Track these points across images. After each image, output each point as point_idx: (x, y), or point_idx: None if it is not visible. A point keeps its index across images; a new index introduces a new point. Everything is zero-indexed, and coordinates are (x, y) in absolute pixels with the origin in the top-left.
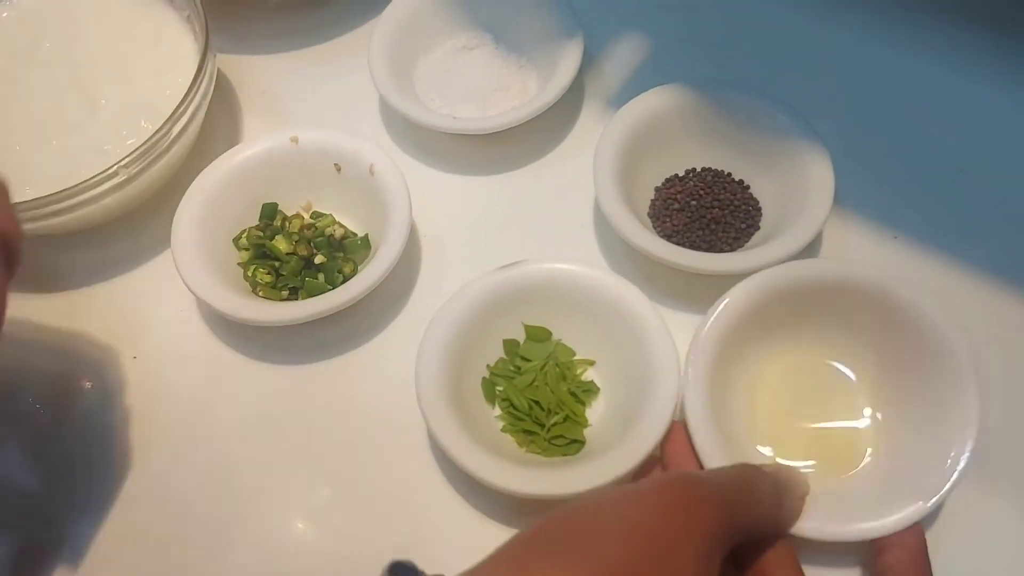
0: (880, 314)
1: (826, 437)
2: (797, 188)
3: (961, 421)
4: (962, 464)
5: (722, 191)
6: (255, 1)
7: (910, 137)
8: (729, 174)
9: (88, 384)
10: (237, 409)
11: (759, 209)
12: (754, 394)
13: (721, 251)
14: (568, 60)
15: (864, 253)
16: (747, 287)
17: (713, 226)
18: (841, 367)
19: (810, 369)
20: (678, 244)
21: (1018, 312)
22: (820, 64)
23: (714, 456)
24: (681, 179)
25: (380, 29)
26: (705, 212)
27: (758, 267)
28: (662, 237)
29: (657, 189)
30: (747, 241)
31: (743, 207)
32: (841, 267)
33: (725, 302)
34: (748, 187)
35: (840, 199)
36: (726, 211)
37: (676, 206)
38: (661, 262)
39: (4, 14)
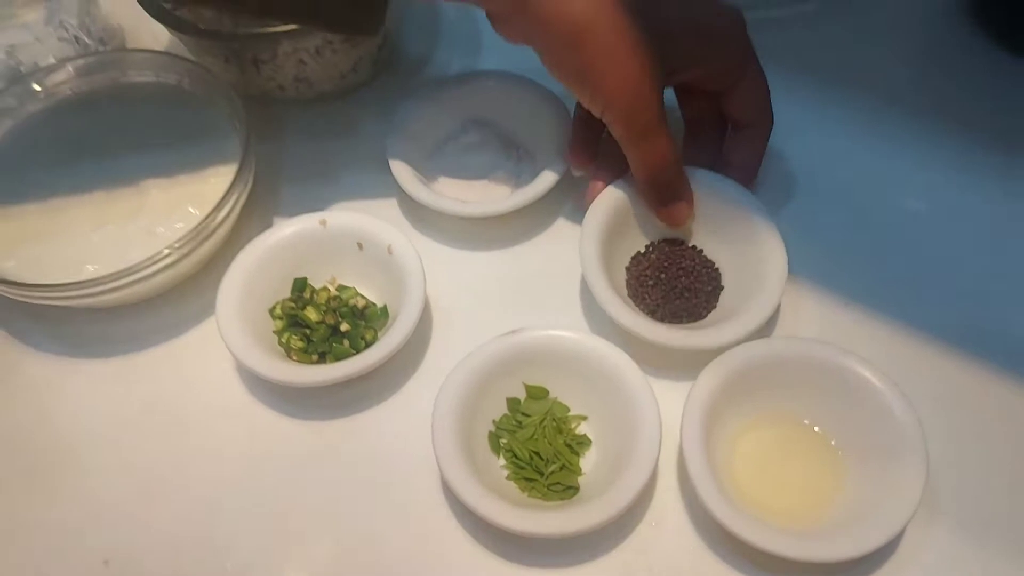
0: (833, 380)
1: (799, 485)
2: (750, 254)
3: (911, 470)
4: (913, 506)
5: (682, 258)
6: (288, 97)
7: (858, 214)
8: (683, 241)
9: (139, 439)
10: (269, 462)
11: (717, 271)
12: (736, 450)
13: (699, 316)
14: (558, 158)
15: (818, 319)
16: (716, 367)
17: (686, 294)
18: (811, 424)
19: (782, 427)
20: (661, 318)
21: (957, 370)
22: (775, 146)
23: (712, 498)
24: (644, 255)
25: (397, 124)
26: (675, 283)
27: (727, 343)
28: (645, 312)
29: (627, 268)
30: (716, 302)
31: (704, 271)
32: (794, 344)
33: (699, 381)
34: (702, 251)
35: (794, 269)
36: (691, 278)
37: (650, 282)
38: (641, 339)
39: (68, 109)
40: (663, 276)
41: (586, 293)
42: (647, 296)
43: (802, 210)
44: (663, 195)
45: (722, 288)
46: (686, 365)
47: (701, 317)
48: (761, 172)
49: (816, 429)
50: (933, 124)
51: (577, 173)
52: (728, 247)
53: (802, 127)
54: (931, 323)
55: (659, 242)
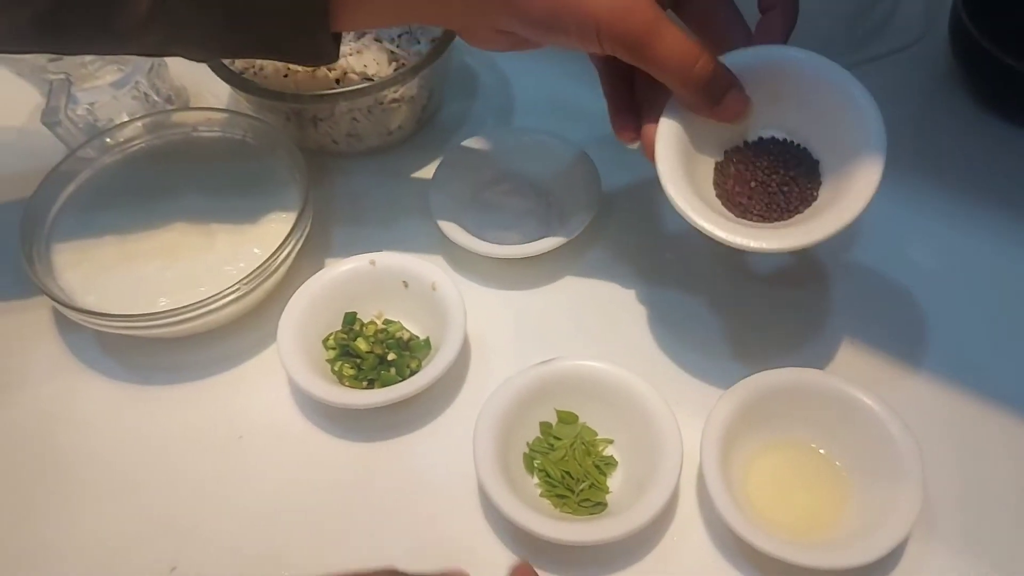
0: (839, 409)
1: (807, 503)
2: (839, 119)
3: (910, 490)
4: (910, 521)
5: (765, 155)
6: (340, 150)
7: (861, 263)
8: (759, 137)
9: (202, 458)
10: (321, 479)
11: (804, 151)
12: (750, 471)
13: (809, 201)
14: (589, 200)
15: (829, 356)
16: (732, 395)
17: (784, 189)
18: (818, 448)
19: (792, 451)
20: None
21: (947, 400)
22: None
23: (729, 511)
24: (723, 165)
25: (438, 175)
26: (767, 185)
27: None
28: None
29: (714, 185)
30: (818, 181)
31: (791, 158)
32: (803, 375)
33: (717, 407)
34: (783, 139)
35: (808, 311)
36: (781, 173)
37: (743, 197)
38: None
39: (142, 160)
40: (753, 184)
41: (613, 326)
42: (748, 210)
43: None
44: (707, 92)
45: (818, 162)
46: (705, 395)
47: (813, 200)
48: None
49: (823, 452)
50: (928, 182)
51: (632, 146)
52: (812, 120)
53: None
54: (928, 358)
55: (732, 150)
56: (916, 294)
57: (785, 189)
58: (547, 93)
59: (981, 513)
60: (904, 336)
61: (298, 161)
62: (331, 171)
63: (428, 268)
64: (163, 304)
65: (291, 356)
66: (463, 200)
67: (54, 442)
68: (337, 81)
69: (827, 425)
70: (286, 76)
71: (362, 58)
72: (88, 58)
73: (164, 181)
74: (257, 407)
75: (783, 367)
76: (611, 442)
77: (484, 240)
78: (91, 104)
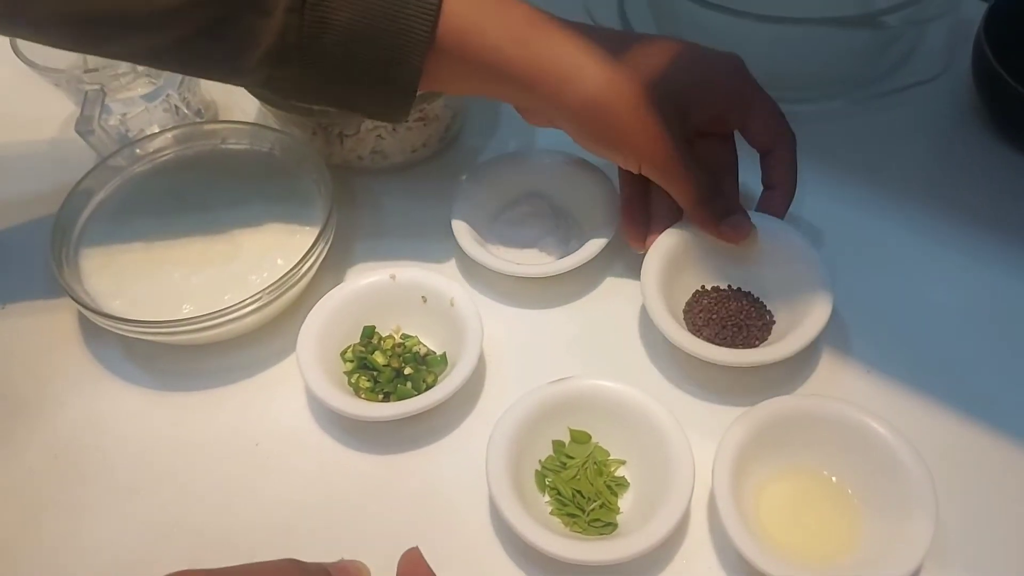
0: (851, 436)
1: (819, 530)
2: (797, 285)
3: (922, 518)
4: (922, 550)
5: (733, 300)
6: (364, 166)
7: (878, 292)
8: (729, 287)
9: (220, 464)
10: (336, 489)
11: (766, 308)
12: (761, 497)
13: (751, 347)
14: (608, 221)
15: (844, 384)
16: (744, 420)
17: (740, 332)
18: (830, 475)
19: (804, 478)
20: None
21: (963, 430)
22: (803, 229)
23: (740, 537)
24: (698, 296)
25: (459, 194)
26: (726, 321)
27: (770, 360)
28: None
29: (684, 310)
30: (768, 335)
31: (754, 310)
32: (816, 402)
33: (729, 432)
34: (751, 292)
35: (820, 338)
36: (743, 316)
37: (702, 322)
38: (698, 357)
39: (170, 171)
40: (713, 317)
41: (627, 347)
42: (703, 331)
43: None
44: (715, 211)
45: (774, 322)
46: (718, 418)
47: (753, 347)
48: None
49: (835, 480)
50: (947, 215)
51: (640, 251)
52: (777, 281)
53: (827, 210)
54: (941, 388)
55: (710, 288)
56: (932, 324)
57: (741, 333)
58: None
59: (993, 543)
60: (918, 366)
61: (323, 175)
62: (355, 186)
63: (447, 284)
64: (187, 311)
65: (310, 367)
66: (484, 219)
67: (75, 444)
68: None
69: (839, 453)
70: None
71: None
72: (122, 70)
73: (192, 191)
74: (275, 416)
75: (796, 394)
76: (623, 463)
77: (503, 259)
78: (123, 115)
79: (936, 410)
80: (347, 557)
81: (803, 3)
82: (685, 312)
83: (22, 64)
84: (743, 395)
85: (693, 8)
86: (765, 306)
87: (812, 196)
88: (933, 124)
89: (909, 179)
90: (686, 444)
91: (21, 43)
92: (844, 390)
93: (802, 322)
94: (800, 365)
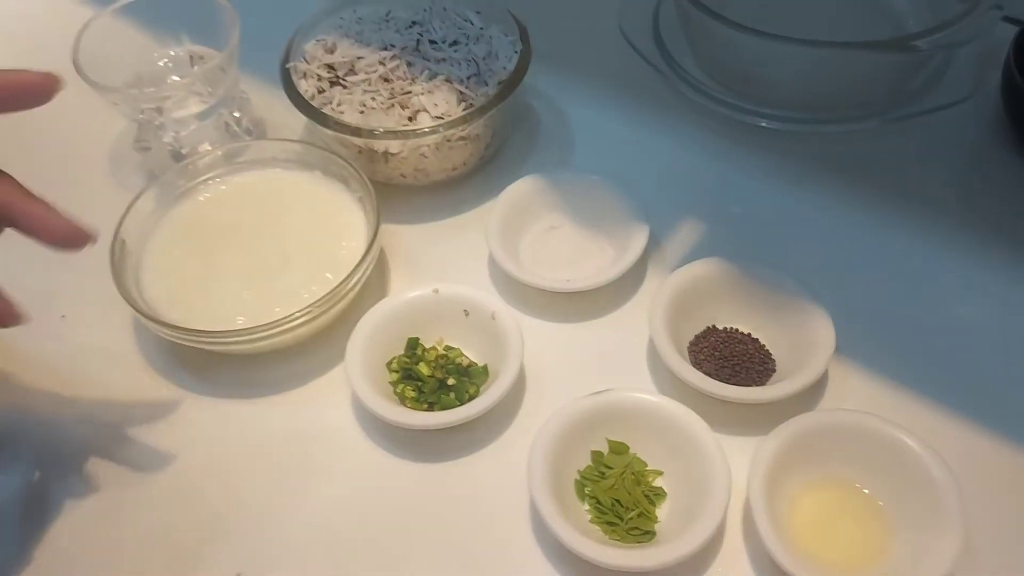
0: (881, 449)
1: (850, 540)
2: (804, 339)
3: (950, 533)
4: (951, 559)
5: (736, 342)
6: (407, 183)
7: (905, 309)
8: (736, 330)
9: (269, 469)
10: (381, 495)
11: (768, 353)
12: (795, 507)
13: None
14: (637, 240)
15: (863, 396)
16: (779, 432)
17: (739, 371)
18: (862, 487)
19: (836, 489)
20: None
21: (992, 446)
22: (835, 243)
23: (775, 545)
24: (703, 335)
25: (497, 210)
26: (726, 361)
27: (771, 398)
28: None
29: (688, 347)
30: (767, 380)
31: (756, 353)
32: (848, 416)
33: (764, 444)
34: (757, 339)
35: (845, 352)
36: (743, 359)
37: (706, 359)
38: (704, 392)
39: (223, 187)
40: (715, 354)
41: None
42: (703, 365)
43: (854, 303)
44: None
45: (774, 371)
46: (751, 429)
47: (762, 383)
48: (819, 266)
49: (866, 492)
50: (976, 237)
51: None
52: (782, 332)
53: (858, 230)
54: (972, 404)
55: (717, 327)
56: (963, 343)
57: (738, 375)
58: (604, 136)
59: (1022, 557)
60: (949, 382)
61: (369, 193)
62: (397, 202)
63: (488, 298)
64: (240, 322)
65: (357, 377)
66: (521, 234)
67: (129, 446)
68: (409, 119)
69: (871, 465)
70: (362, 112)
71: (433, 97)
72: (176, 89)
73: (244, 207)
74: (322, 424)
75: (829, 408)
76: (660, 473)
77: (538, 274)
78: (177, 133)
79: (967, 427)
80: (390, 559)
81: (836, 26)
82: (691, 345)
83: (81, 82)
84: (778, 411)
85: (726, 30)
86: (770, 354)
87: (843, 215)
88: (963, 145)
89: (939, 199)
90: (723, 456)
91: (82, 61)
92: (874, 404)
93: (807, 363)
94: (829, 378)
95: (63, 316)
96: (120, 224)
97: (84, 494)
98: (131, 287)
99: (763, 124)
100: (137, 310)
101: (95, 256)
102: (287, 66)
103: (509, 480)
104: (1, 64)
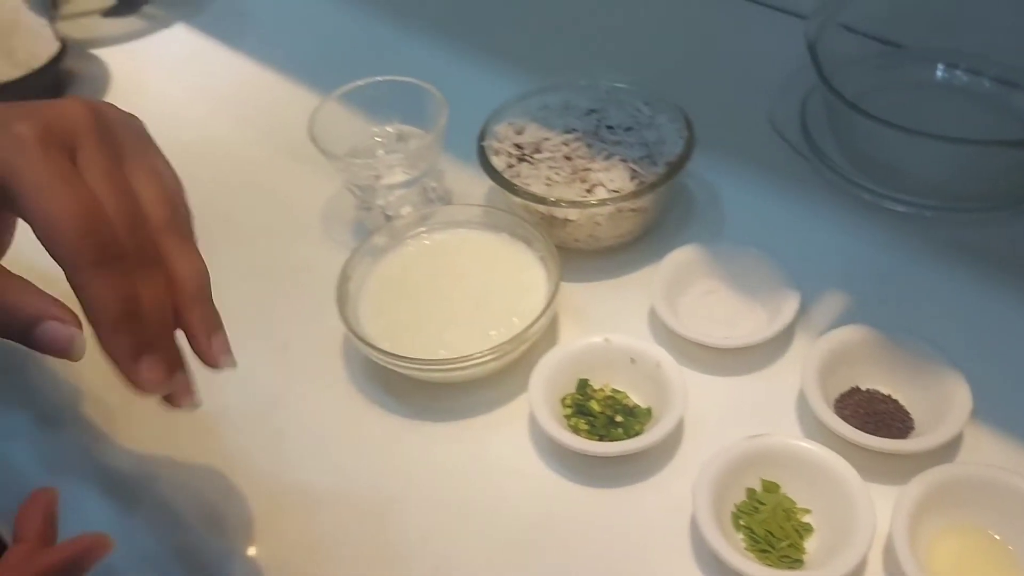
0: (1014, 500)
1: None
2: (942, 400)
3: None
4: None
5: (877, 403)
6: (579, 247)
7: None
8: (878, 391)
9: (456, 487)
10: (552, 516)
11: (908, 414)
12: (934, 552)
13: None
14: (789, 305)
15: (998, 454)
16: (920, 480)
17: (880, 430)
18: (994, 534)
19: (972, 536)
20: None
21: None
22: (969, 319)
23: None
24: (847, 395)
25: (660, 272)
26: (868, 419)
27: (911, 450)
28: None
29: (834, 404)
30: (907, 437)
31: (897, 413)
32: (984, 470)
33: (906, 490)
34: (897, 400)
35: (979, 414)
36: (883, 418)
37: (849, 415)
38: (850, 442)
39: (425, 242)
40: (859, 411)
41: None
42: (849, 421)
43: (990, 369)
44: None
45: (912, 429)
46: (888, 478)
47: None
48: (955, 336)
49: (998, 538)
50: None
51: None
52: (921, 394)
53: (990, 303)
54: None
55: (861, 388)
56: None
57: (879, 432)
58: (753, 213)
59: None
60: None
61: (552, 253)
62: (568, 263)
63: (654, 348)
64: (441, 354)
65: (540, 408)
66: (680, 296)
67: (334, 457)
68: (587, 191)
69: (1003, 514)
70: (548, 185)
71: (609, 174)
72: (391, 162)
73: (442, 261)
74: (503, 448)
75: (965, 462)
76: (809, 511)
77: (699, 331)
78: (386, 200)
79: None
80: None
81: (972, 124)
82: (836, 402)
83: (302, 154)
84: (919, 460)
85: (871, 124)
86: (909, 414)
87: (976, 303)
88: None
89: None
90: (867, 496)
91: (315, 134)
92: (1007, 465)
93: (944, 422)
94: (964, 443)
95: (285, 346)
96: (343, 269)
97: (285, 501)
98: (353, 322)
99: (900, 209)
100: (358, 337)
101: (320, 294)
102: (482, 143)
103: (669, 510)
104: (254, 135)
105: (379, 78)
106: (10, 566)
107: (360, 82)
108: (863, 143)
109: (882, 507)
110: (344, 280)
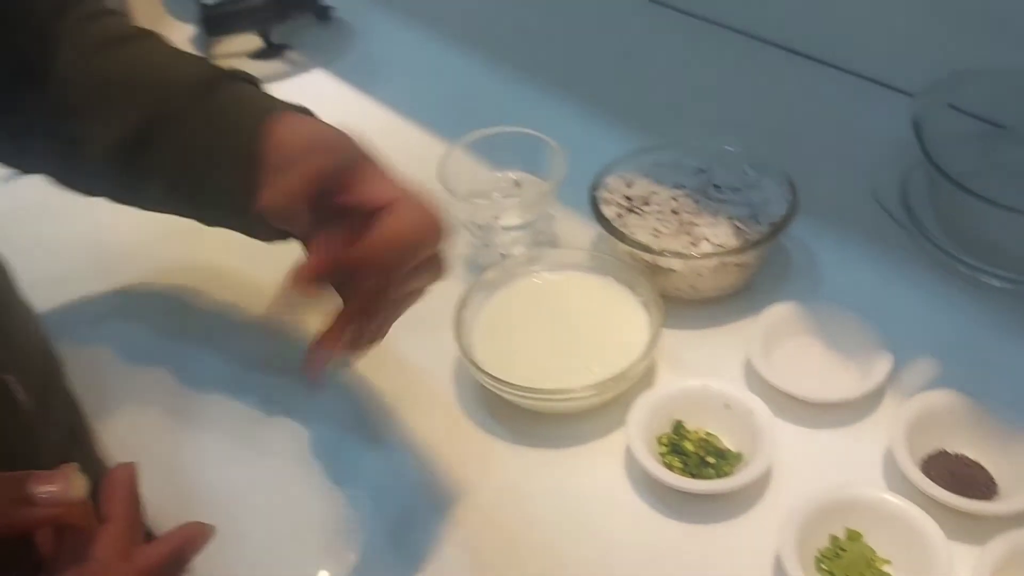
0: None
1: None
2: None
3: None
4: None
5: (963, 466)
6: (680, 296)
7: None
8: (965, 456)
9: (552, 508)
10: (640, 544)
11: (991, 478)
12: None
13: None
14: (881, 365)
15: None
16: (1001, 540)
17: (966, 492)
18: None
19: None
20: None
21: None
22: None
23: None
24: (934, 458)
25: (758, 326)
26: (953, 480)
27: (993, 512)
28: None
29: (922, 463)
30: (989, 499)
31: (980, 476)
32: None
33: (988, 549)
34: (984, 467)
35: None
36: (968, 482)
37: (936, 477)
38: (935, 500)
39: (536, 281)
40: (946, 473)
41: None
42: (936, 482)
43: None
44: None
45: (996, 494)
46: (968, 538)
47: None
48: None
49: None
50: None
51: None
52: (1007, 460)
53: None
54: None
55: (948, 452)
56: None
57: (967, 493)
58: (849, 275)
59: None
60: None
61: (655, 299)
62: (669, 310)
63: (748, 396)
64: (547, 385)
65: (636, 443)
66: (775, 349)
67: (432, 476)
68: (692, 244)
69: None
70: (655, 236)
71: (715, 230)
72: (508, 205)
73: (553, 300)
74: (599, 477)
75: None
76: (889, 562)
77: (793, 384)
78: (502, 240)
79: None
80: None
81: None
82: (923, 462)
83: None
84: (1001, 522)
85: (973, 201)
86: (994, 479)
87: None
88: None
89: None
90: (949, 553)
91: (444, 176)
92: None
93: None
94: None
95: (400, 363)
96: (463, 300)
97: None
98: (468, 349)
99: (996, 284)
100: (470, 361)
101: (430, 323)
102: (594, 193)
103: (752, 549)
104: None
105: (502, 128)
106: (105, 562)
107: (486, 131)
108: (964, 219)
109: (960, 567)
110: (460, 308)
